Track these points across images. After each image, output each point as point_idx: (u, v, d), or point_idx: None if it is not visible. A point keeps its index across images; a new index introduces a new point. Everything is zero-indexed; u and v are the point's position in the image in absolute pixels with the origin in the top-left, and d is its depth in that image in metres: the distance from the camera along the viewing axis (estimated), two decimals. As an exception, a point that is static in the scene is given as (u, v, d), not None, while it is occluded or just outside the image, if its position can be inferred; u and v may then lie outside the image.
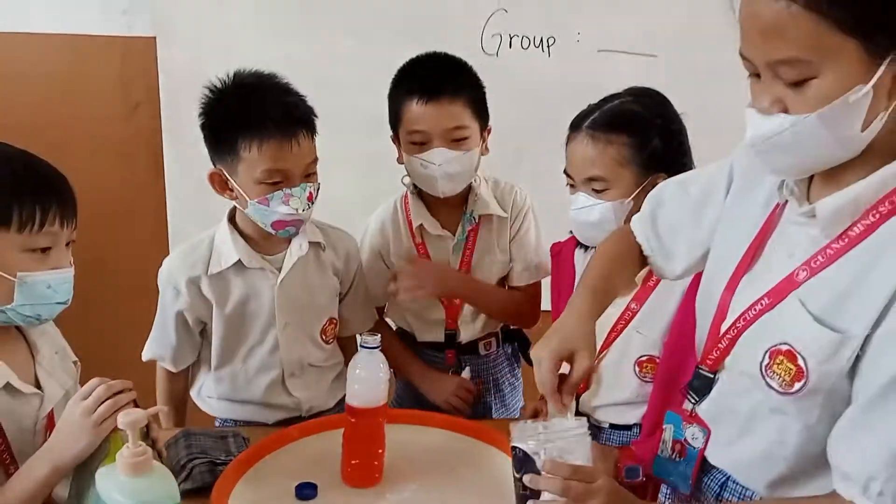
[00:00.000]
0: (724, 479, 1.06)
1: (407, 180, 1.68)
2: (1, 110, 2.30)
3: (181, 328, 1.55)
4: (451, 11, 2.30)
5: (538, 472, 0.98)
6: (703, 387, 1.06)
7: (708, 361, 1.04)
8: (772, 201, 1.00)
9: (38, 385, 1.17)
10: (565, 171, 1.46)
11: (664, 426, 1.12)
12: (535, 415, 1.45)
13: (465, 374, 1.76)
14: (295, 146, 1.40)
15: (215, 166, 1.46)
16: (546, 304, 1.72)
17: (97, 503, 0.95)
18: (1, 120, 2.27)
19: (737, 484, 1.03)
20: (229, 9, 2.28)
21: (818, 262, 0.89)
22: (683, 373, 1.13)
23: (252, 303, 1.54)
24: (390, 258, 1.74)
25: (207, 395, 1.63)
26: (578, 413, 1.20)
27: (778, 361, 0.90)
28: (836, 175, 0.88)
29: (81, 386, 1.10)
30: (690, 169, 1.37)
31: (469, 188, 1.69)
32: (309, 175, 1.46)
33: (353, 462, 1.26)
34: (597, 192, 1.39)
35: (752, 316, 0.96)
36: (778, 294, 0.93)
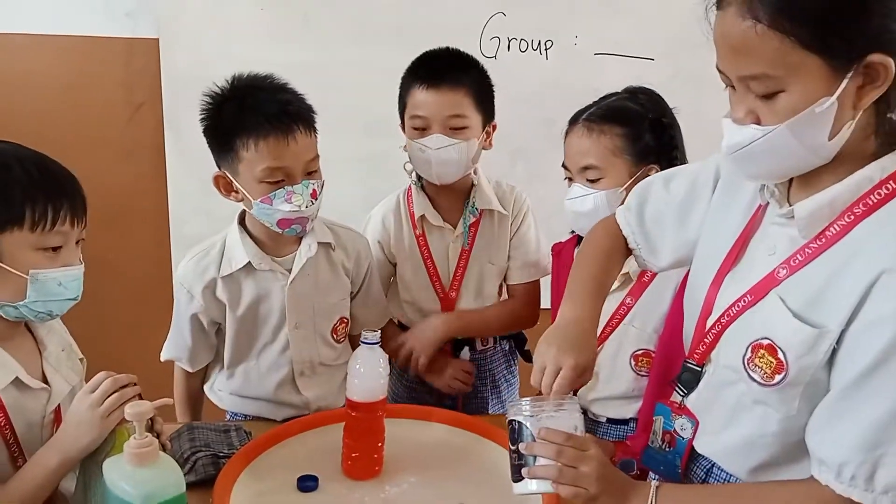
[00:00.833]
0: (709, 465, 1.09)
1: (409, 167, 1.71)
2: (6, 111, 2.32)
3: (196, 330, 1.57)
4: (450, 14, 2.32)
5: (533, 441, 1.01)
6: (690, 380, 1.09)
7: (695, 355, 1.08)
8: (755, 202, 1.04)
9: (45, 381, 1.19)
10: (563, 165, 1.49)
11: (654, 418, 1.15)
12: None
13: (464, 355, 1.79)
14: (293, 142, 1.40)
15: (219, 169, 1.47)
16: (545, 301, 1.74)
17: (104, 493, 0.97)
18: (6, 121, 2.30)
19: (721, 471, 1.07)
20: (232, 11, 2.30)
21: (797, 261, 0.93)
22: (677, 367, 1.15)
23: (263, 304, 1.54)
24: (391, 249, 1.77)
25: (219, 388, 1.65)
26: None
27: (759, 355, 0.93)
28: (812, 179, 0.92)
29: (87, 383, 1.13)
30: (681, 162, 1.42)
31: (471, 183, 1.72)
32: (311, 172, 1.46)
33: (353, 455, 1.28)
34: (591, 182, 1.43)
35: (735, 312, 0.99)
36: (760, 291, 0.96)
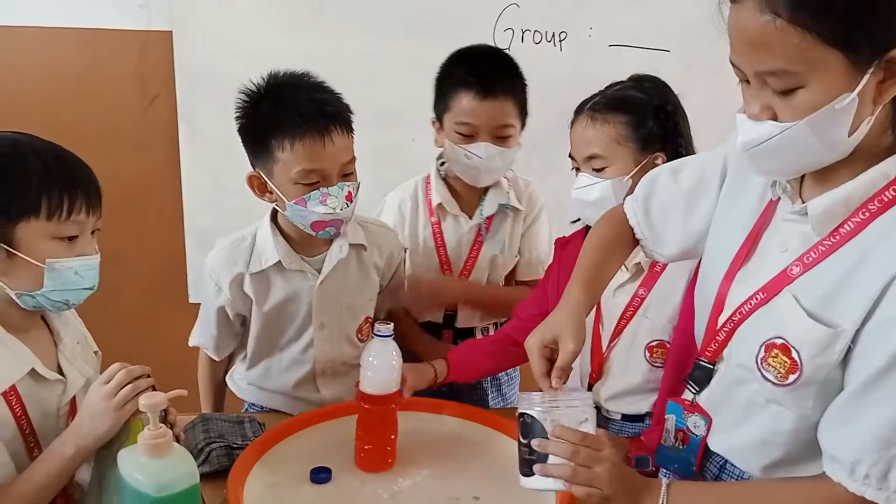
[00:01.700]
0: (722, 462, 1.08)
1: (442, 166, 1.72)
2: (22, 104, 2.33)
3: (222, 321, 1.57)
4: (463, 5, 2.30)
5: (546, 437, 1.00)
6: (702, 377, 1.08)
7: (707, 353, 1.07)
8: (766, 196, 1.02)
9: (60, 373, 1.20)
10: (570, 155, 1.49)
11: (666, 416, 1.14)
12: None
13: None
14: (329, 143, 1.37)
15: (254, 169, 1.45)
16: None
17: (119, 484, 0.97)
18: (22, 113, 2.31)
19: (734, 467, 1.06)
20: (244, 4, 2.30)
21: (811, 258, 0.92)
22: (692, 357, 1.14)
23: (291, 303, 1.54)
24: (404, 234, 1.77)
25: (238, 378, 1.66)
26: None
27: (773, 354, 0.92)
28: (826, 175, 0.90)
29: (101, 375, 1.13)
30: (687, 149, 1.41)
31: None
32: (347, 174, 1.43)
33: (366, 447, 1.29)
34: (596, 171, 1.42)
35: (747, 310, 0.98)
36: (772, 289, 0.95)
